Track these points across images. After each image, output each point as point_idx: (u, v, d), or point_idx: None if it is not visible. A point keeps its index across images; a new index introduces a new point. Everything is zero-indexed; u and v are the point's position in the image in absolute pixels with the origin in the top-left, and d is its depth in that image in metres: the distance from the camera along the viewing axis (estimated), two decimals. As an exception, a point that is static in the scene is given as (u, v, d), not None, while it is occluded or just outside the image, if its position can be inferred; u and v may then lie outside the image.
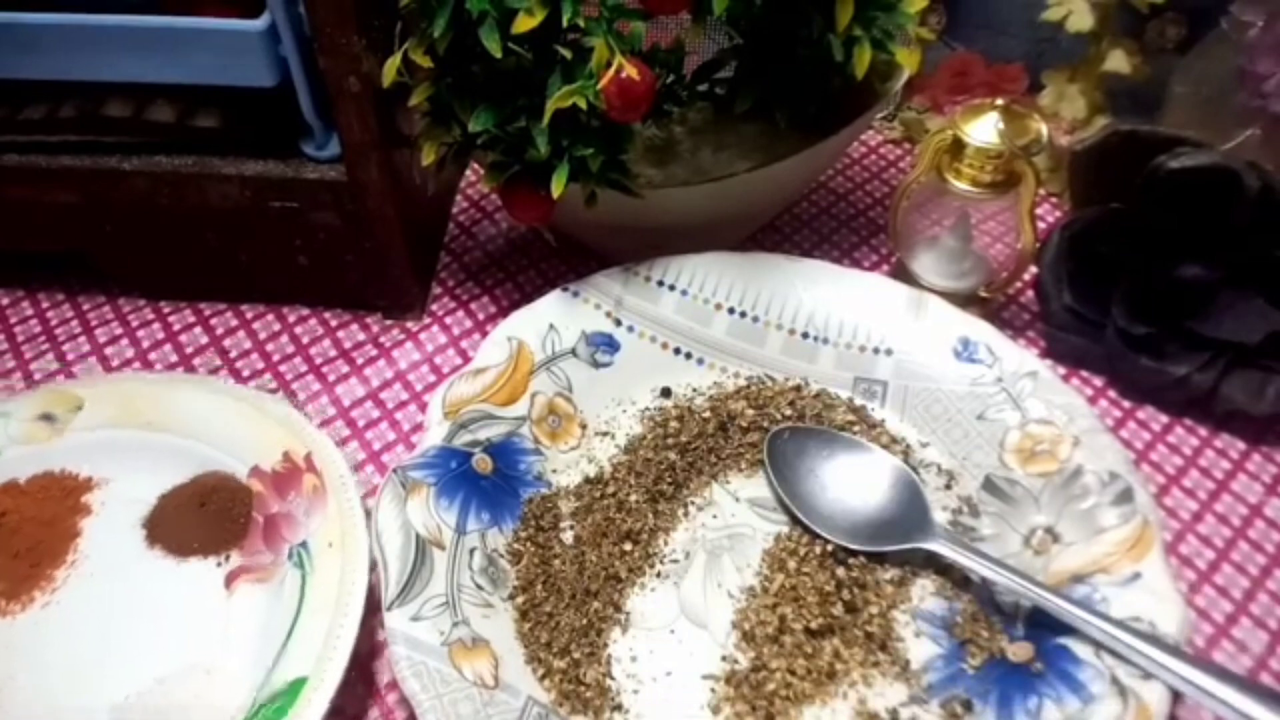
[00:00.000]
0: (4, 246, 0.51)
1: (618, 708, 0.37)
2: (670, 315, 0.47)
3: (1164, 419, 0.48)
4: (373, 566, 0.43)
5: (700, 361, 0.48)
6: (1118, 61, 0.53)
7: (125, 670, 0.38)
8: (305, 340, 0.52)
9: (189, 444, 0.44)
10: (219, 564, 0.41)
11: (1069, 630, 0.36)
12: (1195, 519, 0.44)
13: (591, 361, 0.46)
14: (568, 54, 0.39)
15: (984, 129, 0.45)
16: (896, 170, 0.61)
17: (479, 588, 0.38)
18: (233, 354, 0.51)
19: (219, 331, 0.52)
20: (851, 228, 0.57)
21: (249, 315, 0.53)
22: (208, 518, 0.42)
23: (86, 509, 0.43)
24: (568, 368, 0.46)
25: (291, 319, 0.53)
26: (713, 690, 0.38)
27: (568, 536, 0.42)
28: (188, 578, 0.41)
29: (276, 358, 0.51)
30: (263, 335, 0.52)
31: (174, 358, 0.51)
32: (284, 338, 0.52)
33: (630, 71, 0.38)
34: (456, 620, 0.37)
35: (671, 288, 0.47)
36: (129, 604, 0.40)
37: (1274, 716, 0.32)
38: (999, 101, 0.46)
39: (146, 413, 0.45)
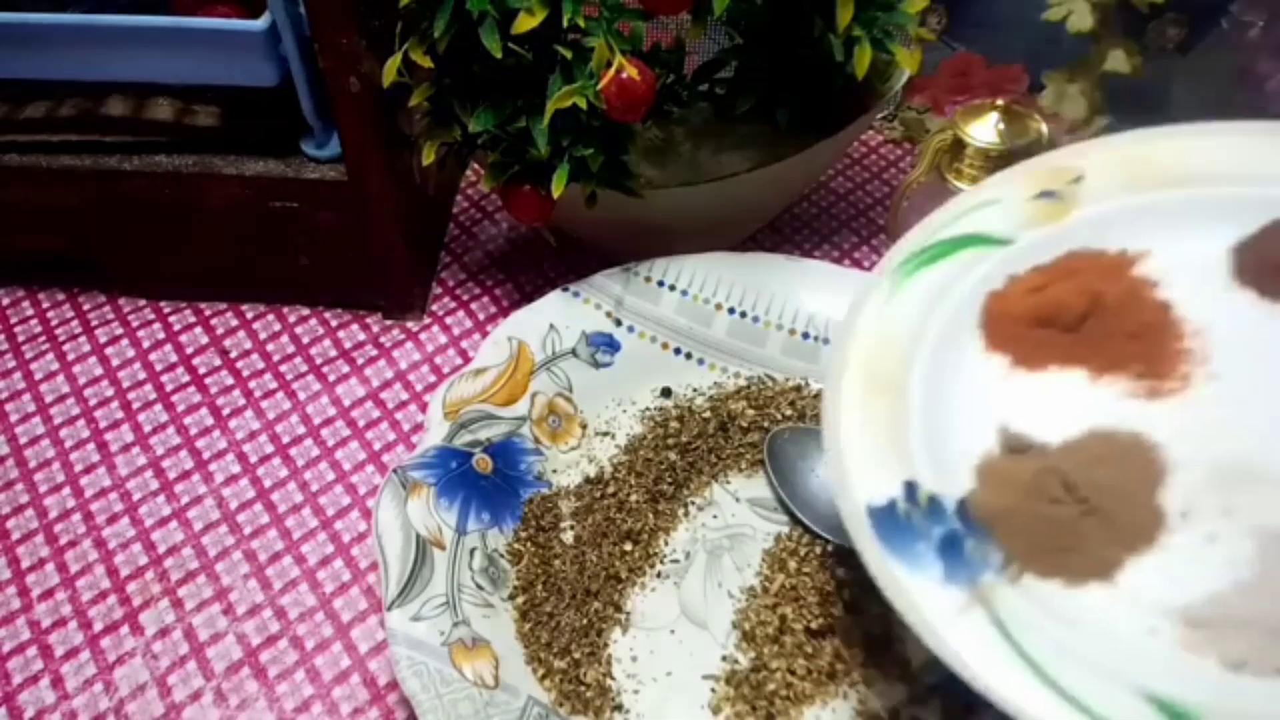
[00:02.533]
0: (4, 246, 0.52)
1: (618, 708, 0.37)
2: (670, 315, 0.47)
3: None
4: (372, 566, 0.43)
5: (700, 361, 0.48)
6: (1118, 62, 0.53)
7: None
8: (305, 340, 0.52)
9: (1232, 191, 0.38)
10: None
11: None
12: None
13: (592, 361, 0.46)
14: (568, 54, 0.39)
15: (984, 129, 0.45)
16: (897, 170, 0.61)
17: (479, 588, 0.38)
18: (233, 354, 0.51)
19: (219, 331, 0.52)
20: (851, 228, 0.57)
21: (249, 315, 0.53)
22: None
23: (1148, 282, 0.37)
24: (568, 368, 0.46)
25: (292, 319, 0.53)
26: (713, 690, 0.38)
27: (568, 536, 0.42)
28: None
29: (277, 358, 0.51)
30: (263, 335, 0.52)
31: (174, 358, 0.51)
32: (284, 338, 0.52)
33: (630, 71, 0.38)
34: (457, 620, 0.37)
35: (671, 288, 0.47)
36: None
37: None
38: (999, 102, 0.46)
39: (1160, 173, 0.39)
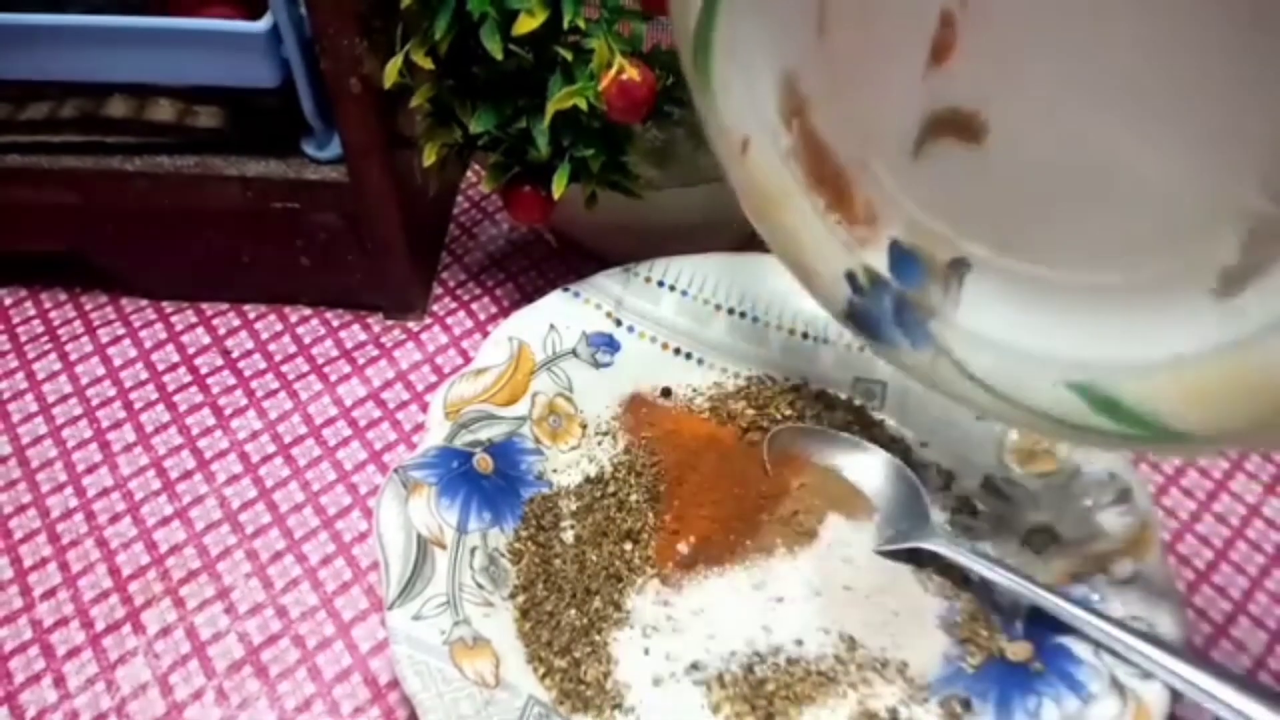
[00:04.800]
0: (6, 246, 0.52)
1: (618, 706, 0.37)
2: (670, 315, 0.47)
3: (1163, 419, 0.48)
4: (373, 565, 0.43)
5: (700, 361, 0.48)
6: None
7: None
8: (307, 340, 0.52)
9: None
10: None
11: (1068, 629, 0.36)
12: (1193, 519, 0.44)
13: (592, 361, 0.47)
14: (568, 55, 0.39)
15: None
16: (896, 171, 0.61)
17: (480, 587, 0.39)
18: (235, 354, 0.51)
19: (221, 331, 0.52)
20: (851, 228, 0.57)
21: (251, 315, 0.53)
22: None
23: None
24: (568, 368, 0.46)
25: (293, 319, 0.53)
26: (713, 689, 0.38)
27: (568, 536, 0.42)
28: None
29: (278, 358, 0.51)
30: (264, 335, 0.52)
31: (176, 358, 0.51)
32: (286, 338, 0.52)
33: (631, 73, 0.38)
34: (458, 619, 0.37)
35: (671, 288, 0.47)
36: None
37: (1273, 716, 0.32)
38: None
39: None
